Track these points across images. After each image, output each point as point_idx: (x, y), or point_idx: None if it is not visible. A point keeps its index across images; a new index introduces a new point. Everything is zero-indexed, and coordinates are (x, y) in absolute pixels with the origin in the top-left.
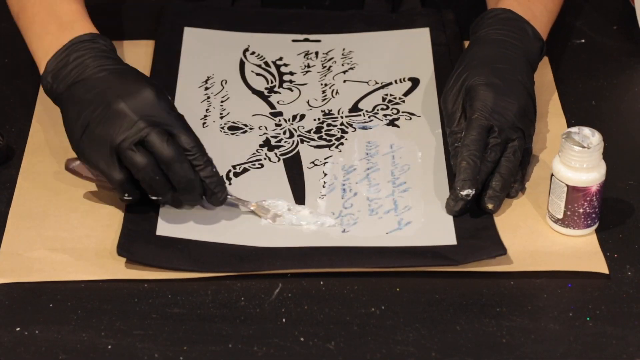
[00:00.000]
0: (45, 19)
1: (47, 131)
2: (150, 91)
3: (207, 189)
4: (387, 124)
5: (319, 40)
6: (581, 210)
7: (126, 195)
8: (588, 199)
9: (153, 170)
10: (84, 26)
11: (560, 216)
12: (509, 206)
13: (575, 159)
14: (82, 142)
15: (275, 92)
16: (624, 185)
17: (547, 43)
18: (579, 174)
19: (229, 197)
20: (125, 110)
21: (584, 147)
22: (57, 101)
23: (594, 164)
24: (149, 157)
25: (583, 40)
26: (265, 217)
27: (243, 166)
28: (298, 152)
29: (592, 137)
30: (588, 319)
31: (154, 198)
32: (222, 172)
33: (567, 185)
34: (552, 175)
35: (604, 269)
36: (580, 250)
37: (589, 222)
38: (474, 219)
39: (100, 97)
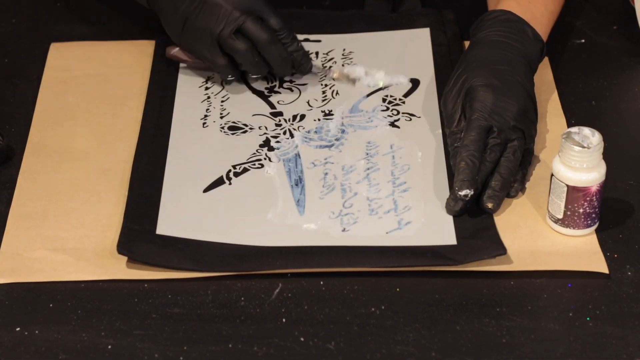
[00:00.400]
0: None
1: (47, 131)
2: None
3: (295, 62)
4: (387, 125)
5: (319, 41)
6: (581, 210)
7: (230, 76)
8: (588, 199)
9: (252, 53)
10: None
11: (561, 216)
12: (508, 206)
13: (575, 159)
14: (184, 35)
15: (276, 92)
16: (624, 185)
17: (547, 43)
18: (579, 174)
19: (313, 68)
20: (220, 1)
21: (584, 147)
22: (151, 5)
23: (594, 164)
24: (248, 42)
25: (583, 40)
26: (347, 82)
27: (243, 166)
28: (298, 152)
29: (592, 137)
30: (588, 319)
31: (254, 77)
32: (222, 172)
33: (567, 185)
34: (552, 175)
35: (604, 269)
36: (580, 250)
37: (589, 222)
38: (474, 219)
39: None
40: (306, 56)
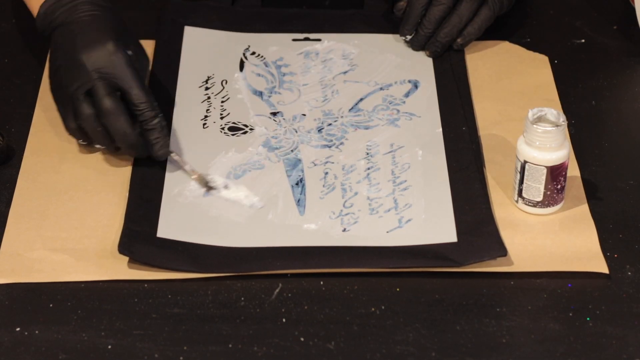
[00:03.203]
0: None
1: (47, 131)
2: (112, 44)
3: (149, 143)
4: (387, 124)
5: (319, 40)
6: (559, 187)
7: (81, 140)
8: (564, 173)
9: (95, 121)
10: None
11: (540, 198)
12: (507, 206)
13: (551, 139)
14: (51, 84)
15: (276, 93)
16: (624, 185)
17: (547, 43)
18: (557, 153)
19: (172, 154)
20: (84, 60)
21: (557, 125)
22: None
23: (563, 138)
24: (93, 108)
25: (583, 40)
26: (202, 187)
27: (243, 167)
28: (298, 152)
29: (554, 113)
30: (588, 319)
31: (97, 146)
32: (223, 173)
33: (546, 167)
34: (524, 164)
35: (604, 269)
36: (580, 250)
37: (563, 193)
38: (474, 211)
39: (71, 44)
40: (163, 139)
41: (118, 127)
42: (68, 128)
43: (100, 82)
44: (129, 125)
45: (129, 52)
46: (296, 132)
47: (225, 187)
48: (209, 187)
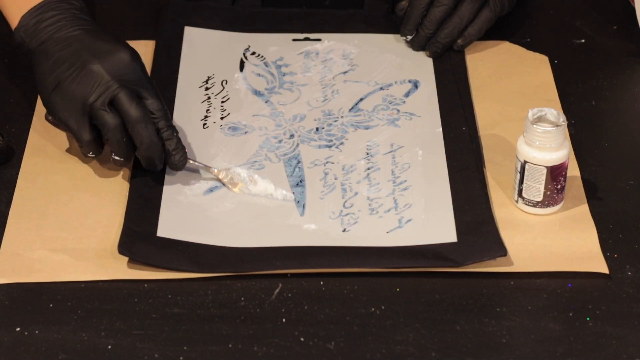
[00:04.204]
0: None
1: (47, 131)
2: (125, 53)
3: (167, 153)
4: (388, 124)
5: (319, 40)
6: (559, 186)
7: (91, 153)
8: (564, 173)
9: (121, 131)
10: None
11: (540, 198)
12: (507, 206)
13: (551, 139)
14: (52, 98)
15: (276, 93)
16: (624, 185)
17: (547, 43)
18: (557, 153)
19: (190, 162)
20: (100, 70)
21: (557, 125)
22: (29, 56)
23: (564, 138)
24: (119, 117)
25: (583, 40)
26: (227, 185)
27: (243, 167)
28: (298, 152)
29: (554, 113)
30: (588, 319)
31: (116, 158)
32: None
33: (546, 167)
34: (524, 164)
35: (604, 269)
36: (580, 250)
37: (563, 193)
38: (474, 211)
39: (76, 56)
40: (180, 149)
41: (145, 136)
42: (82, 141)
43: (124, 90)
44: (156, 134)
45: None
46: (296, 132)
47: (252, 179)
48: (233, 183)
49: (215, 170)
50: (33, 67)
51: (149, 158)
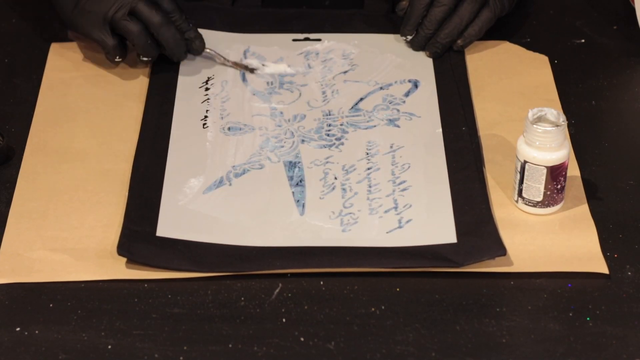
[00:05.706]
0: None
1: (47, 131)
2: None
3: (188, 43)
4: (387, 124)
5: (319, 40)
6: (559, 186)
7: (117, 57)
8: (564, 173)
9: (145, 35)
10: None
11: (540, 198)
12: (507, 206)
13: (551, 139)
14: (73, 16)
15: (276, 93)
16: (624, 185)
17: (547, 43)
18: (557, 153)
19: (207, 50)
20: None
21: (557, 125)
22: None
23: (564, 138)
24: (140, 24)
25: (583, 40)
26: (242, 70)
27: (243, 167)
28: (298, 152)
29: (554, 113)
30: (588, 319)
31: (144, 59)
32: (223, 173)
33: (546, 167)
34: (524, 164)
35: (604, 269)
36: (580, 250)
37: (563, 193)
38: (474, 211)
39: None
40: (199, 37)
41: (169, 37)
42: (107, 48)
43: (141, 1)
44: (178, 32)
45: None
46: (296, 132)
47: (264, 64)
48: (250, 69)
49: (228, 61)
50: None
51: (175, 54)
